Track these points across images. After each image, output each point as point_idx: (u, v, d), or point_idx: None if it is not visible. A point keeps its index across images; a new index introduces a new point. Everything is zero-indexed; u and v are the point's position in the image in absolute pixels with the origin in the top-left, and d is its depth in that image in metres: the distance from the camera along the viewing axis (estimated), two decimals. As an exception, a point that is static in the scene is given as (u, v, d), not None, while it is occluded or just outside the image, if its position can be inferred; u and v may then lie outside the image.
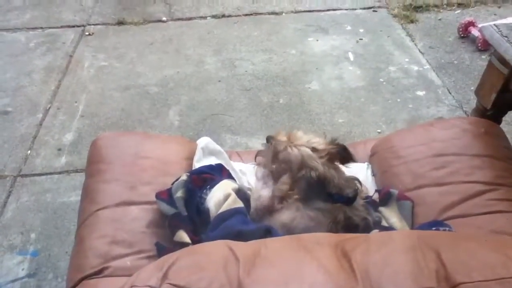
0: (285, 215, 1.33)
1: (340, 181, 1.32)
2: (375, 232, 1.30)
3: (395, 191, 1.43)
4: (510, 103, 1.82)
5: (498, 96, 1.76)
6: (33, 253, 1.98)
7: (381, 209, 1.43)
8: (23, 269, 1.92)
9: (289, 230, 1.25)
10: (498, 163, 1.44)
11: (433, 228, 1.25)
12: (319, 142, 1.36)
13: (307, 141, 1.36)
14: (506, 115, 1.90)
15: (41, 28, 3.56)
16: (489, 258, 0.79)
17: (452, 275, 0.74)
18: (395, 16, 3.59)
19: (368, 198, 1.45)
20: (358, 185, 1.39)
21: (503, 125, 1.82)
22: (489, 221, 1.28)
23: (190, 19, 3.65)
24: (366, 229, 1.31)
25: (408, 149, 1.54)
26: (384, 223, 1.39)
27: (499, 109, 1.84)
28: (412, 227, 1.36)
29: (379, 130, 2.56)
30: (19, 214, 2.15)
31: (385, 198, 1.44)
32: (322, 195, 1.30)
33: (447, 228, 1.25)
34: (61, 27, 3.56)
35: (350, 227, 1.27)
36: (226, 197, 1.30)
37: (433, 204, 1.37)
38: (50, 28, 3.55)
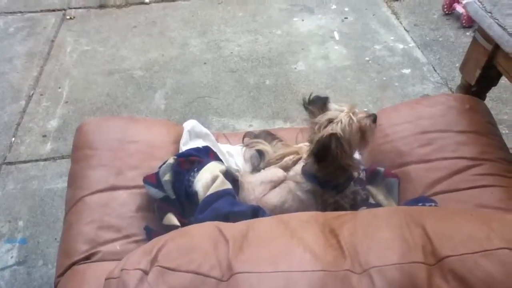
0: (276, 198, 1.33)
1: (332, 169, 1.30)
2: (362, 209, 1.31)
3: (381, 169, 1.45)
4: (494, 79, 1.83)
5: (482, 72, 1.77)
6: (22, 240, 1.97)
7: (369, 187, 1.44)
8: (12, 257, 1.91)
9: (279, 213, 1.26)
10: (482, 138, 1.46)
11: (419, 204, 1.26)
12: None
13: None
14: (490, 91, 1.92)
15: (21, 12, 3.47)
16: (474, 232, 0.80)
17: (438, 249, 0.76)
18: (380, -6, 3.57)
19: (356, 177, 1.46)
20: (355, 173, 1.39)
21: (487, 101, 1.84)
22: (474, 196, 1.31)
23: (173, 0, 3.58)
24: (354, 208, 1.32)
25: (394, 127, 1.56)
26: (371, 201, 1.41)
27: (484, 85, 1.85)
28: (398, 203, 1.38)
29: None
30: (6, 202, 2.13)
31: (372, 176, 1.46)
32: (313, 178, 1.31)
33: (432, 204, 1.27)
34: (41, 11, 3.47)
35: (338, 210, 1.27)
36: (214, 179, 1.30)
37: (420, 180, 1.39)
38: (29, 12, 3.46)
